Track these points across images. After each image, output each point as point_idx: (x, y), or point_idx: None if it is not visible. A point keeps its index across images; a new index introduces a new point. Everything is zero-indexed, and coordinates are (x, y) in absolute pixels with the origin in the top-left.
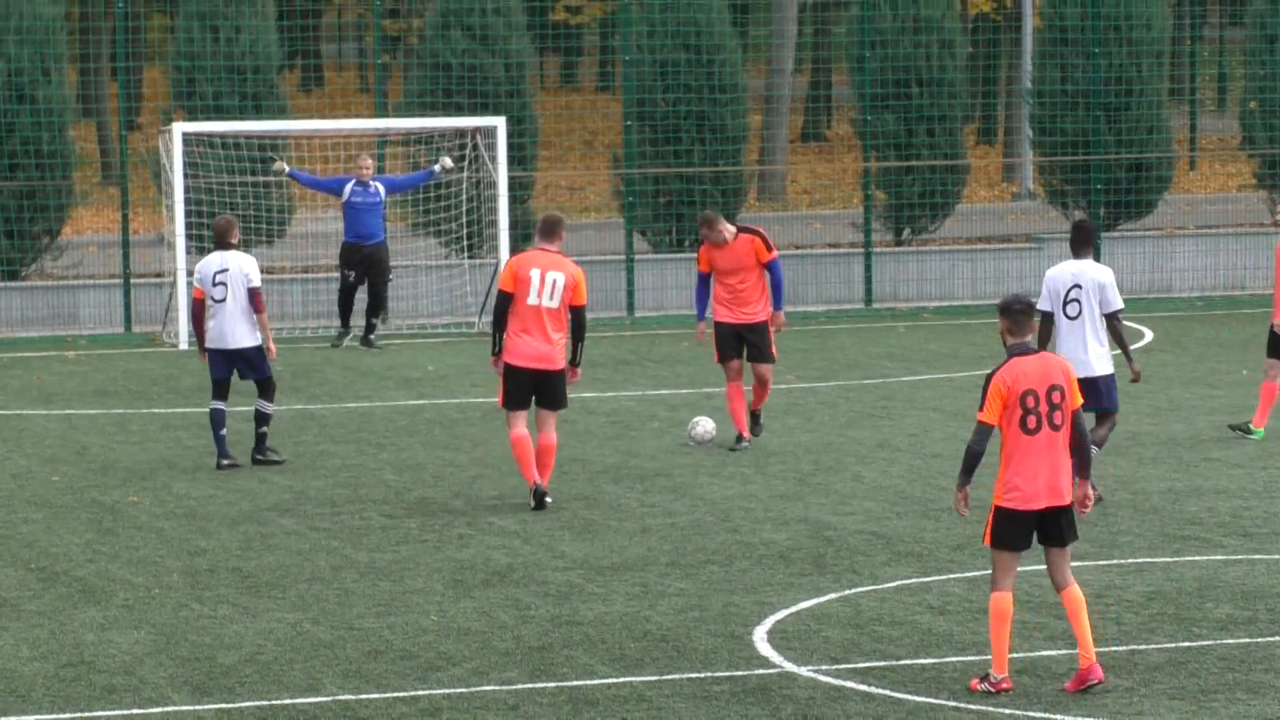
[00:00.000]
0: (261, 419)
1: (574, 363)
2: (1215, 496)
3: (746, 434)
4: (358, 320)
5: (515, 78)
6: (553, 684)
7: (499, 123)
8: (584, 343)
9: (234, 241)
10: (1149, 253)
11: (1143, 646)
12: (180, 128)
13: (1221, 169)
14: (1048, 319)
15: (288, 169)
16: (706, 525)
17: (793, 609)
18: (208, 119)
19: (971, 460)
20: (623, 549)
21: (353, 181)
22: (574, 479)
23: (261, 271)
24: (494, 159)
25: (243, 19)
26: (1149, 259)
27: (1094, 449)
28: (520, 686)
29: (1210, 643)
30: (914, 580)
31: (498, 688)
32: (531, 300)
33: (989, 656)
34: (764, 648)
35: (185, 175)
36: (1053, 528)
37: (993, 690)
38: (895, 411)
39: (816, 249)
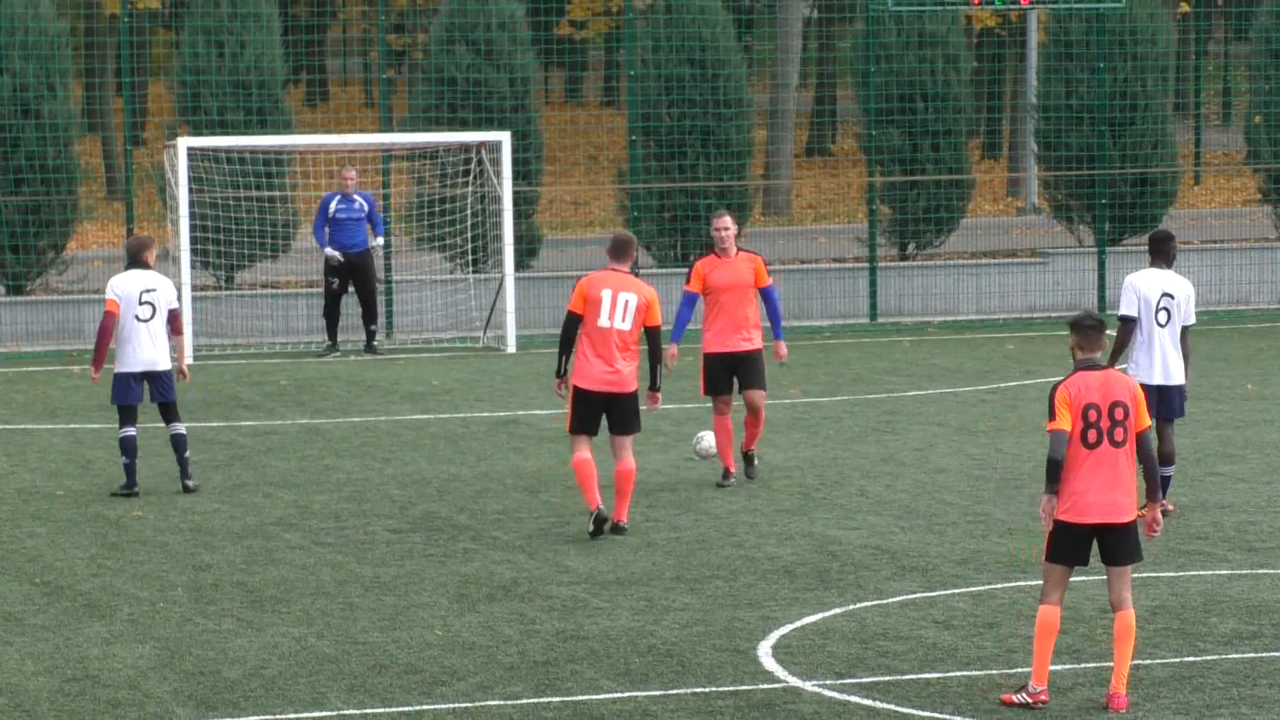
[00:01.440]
0: (183, 444)
1: (654, 387)
2: (1220, 511)
3: (734, 469)
4: (344, 336)
5: (520, 92)
6: (557, 698)
7: (504, 137)
8: (662, 365)
9: (147, 260)
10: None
11: (1147, 661)
12: (185, 142)
13: (1226, 184)
14: (1129, 324)
15: (327, 249)
16: (711, 540)
17: (797, 624)
18: (212, 134)
19: (1053, 469)
20: (627, 563)
21: (337, 198)
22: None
23: (264, 286)
24: (498, 173)
25: (247, 34)
26: None
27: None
28: (525, 701)
29: (1215, 658)
30: (919, 595)
31: (502, 702)
32: (602, 322)
33: (993, 671)
34: (768, 663)
35: (190, 190)
36: (1111, 545)
37: (1030, 701)
38: (900, 426)
39: (821, 264)
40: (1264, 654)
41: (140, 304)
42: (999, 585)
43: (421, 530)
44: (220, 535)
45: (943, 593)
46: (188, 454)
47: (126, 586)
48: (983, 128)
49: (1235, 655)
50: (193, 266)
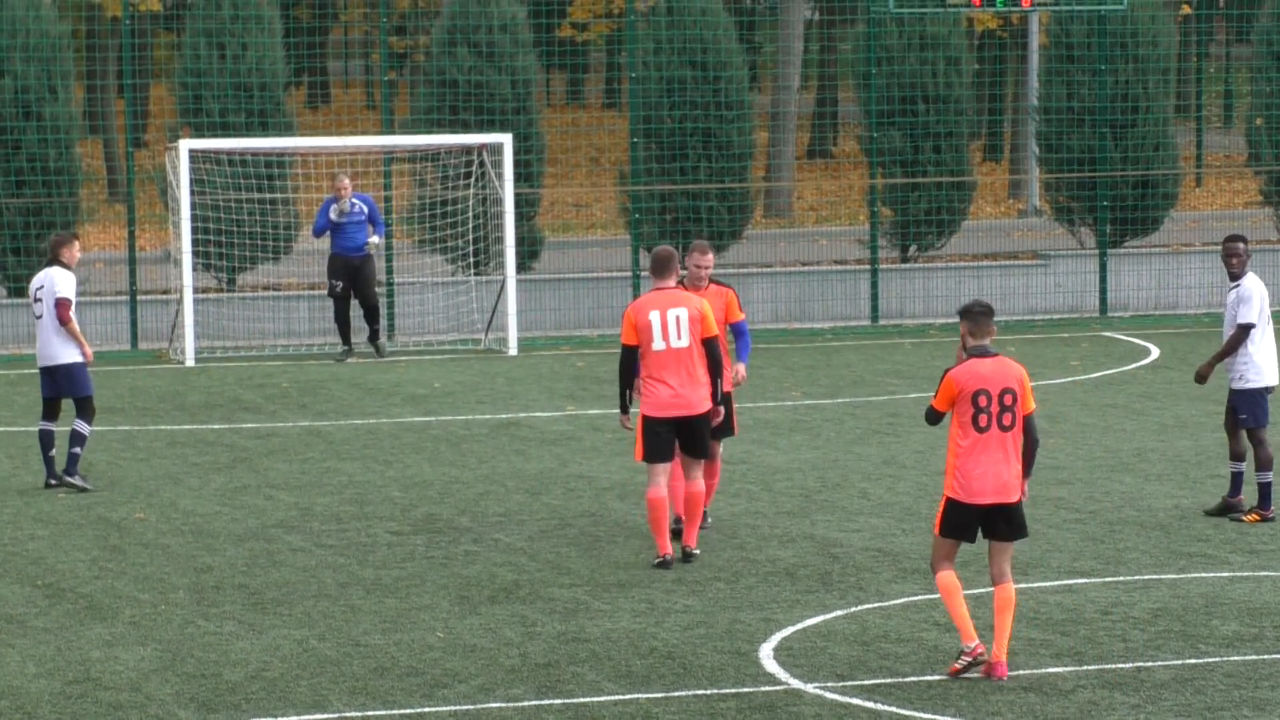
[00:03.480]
0: (76, 439)
1: (715, 401)
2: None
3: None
4: (357, 338)
5: (521, 94)
6: (559, 701)
7: (505, 140)
8: (722, 378)
9: (62, 258)
10: (1155, 270)
11: (1149, 664)
12: (187, 145)
13: (1228, 186)
14: (1248, 330)
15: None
16: (712, 542)
17: (799, 626)
18: (214, 136)
19: (929, 421)
20: (629, 566)
21: (335, 203)
22: (580, 496)
23: (266, 289)
24: (500, 176)
25: (249, 36)
26: (1155, 276)
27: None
28: (526, 703)
29: (1216, 660)
30: (920, 597)
31: (504, 705)
32: (658, 346)
33: (995, 678)
34: (770, 665)
35: (192, 192)
36: (999, 523)
37: (970, 659)
38: (901, 428)
39: (823, 266)
40: (1265, 656)
41: (34, 301)
42: None
43: (423, 533)
44: (222, 538)
45: None
46: (77, 450)
47: (128, 589)
48: (984, 130)
49: (1237, 657)
50: (194, 269)
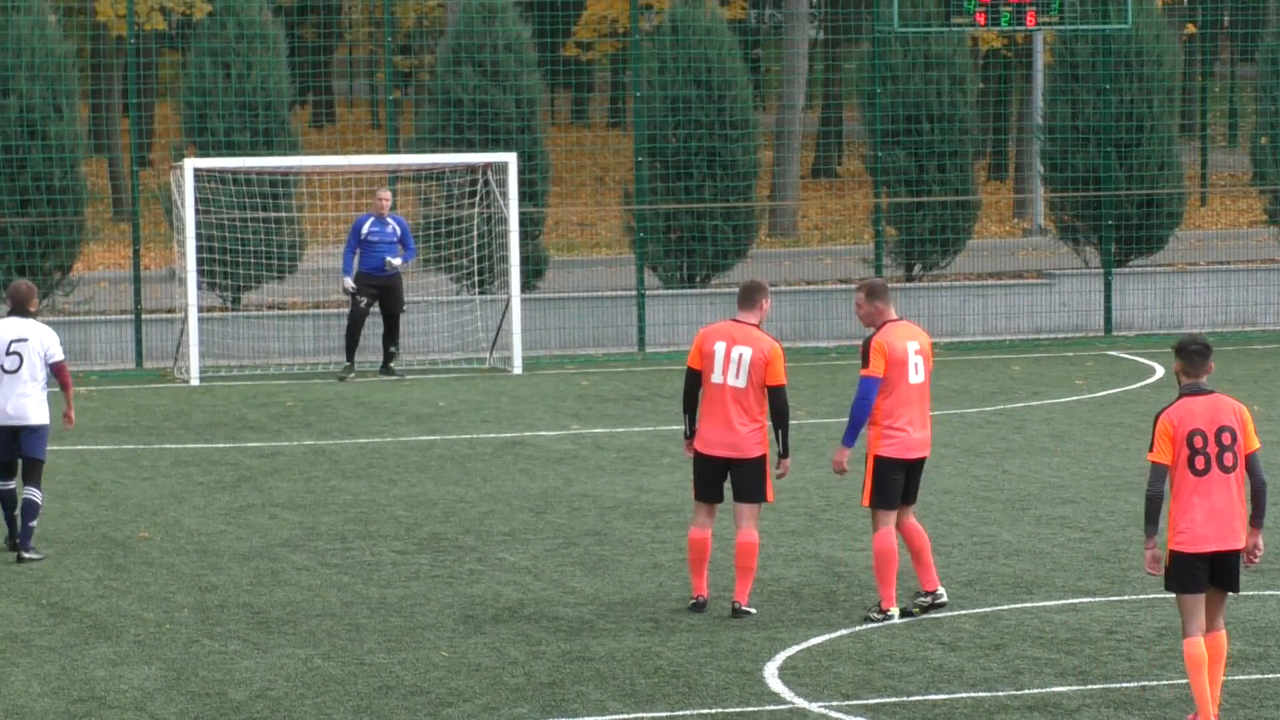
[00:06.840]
0: (32, 511)
1: (781, 453)
2: None
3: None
4: (361, 357)
5: (526, 114)
6: None
7: (510, 159)
8: (788, 429)
9: (32, 310)
10: (1160, 289)
11: (1154, 683)
12: (192, 164)
13: (1232, 205)
14: None
15: (346, 280)
16: (717, 561)
17: (804, 645)
18: (219, 155)
19: (1151, 506)
20: (634, 584)
21: (370, 220)
22: (585, 514)
23: (271, 308)
24: (505, 195)
25: (254, 55)
26: (1160, 295)
27: None
28: None
29: (1222, 679)
30: (925, 616)
31: None
32: (715, 378)
33: (1000, 694)
34: (775, 684)
35: (197, 211)
36: (1224, 570)
37: None
38: None
39: (828, 285)
40: (1270, 675)
41: (8, 354)
42: (1005, 607)
43: (428, 551)
44: (226, 557)
45: (949, 614)
46: (33, 524)
47: (133, 608)
48: (989, 149)
49: (1241, 677)
50: (199, 288)
